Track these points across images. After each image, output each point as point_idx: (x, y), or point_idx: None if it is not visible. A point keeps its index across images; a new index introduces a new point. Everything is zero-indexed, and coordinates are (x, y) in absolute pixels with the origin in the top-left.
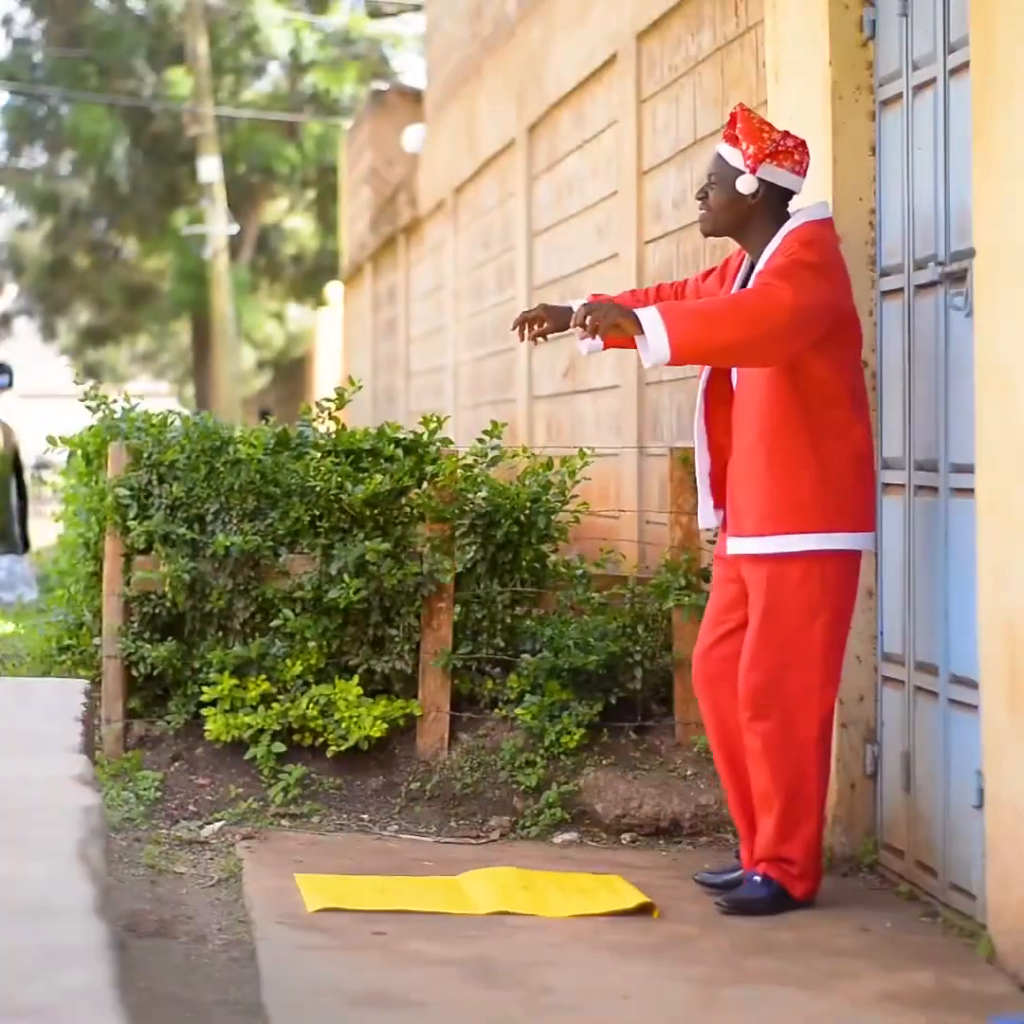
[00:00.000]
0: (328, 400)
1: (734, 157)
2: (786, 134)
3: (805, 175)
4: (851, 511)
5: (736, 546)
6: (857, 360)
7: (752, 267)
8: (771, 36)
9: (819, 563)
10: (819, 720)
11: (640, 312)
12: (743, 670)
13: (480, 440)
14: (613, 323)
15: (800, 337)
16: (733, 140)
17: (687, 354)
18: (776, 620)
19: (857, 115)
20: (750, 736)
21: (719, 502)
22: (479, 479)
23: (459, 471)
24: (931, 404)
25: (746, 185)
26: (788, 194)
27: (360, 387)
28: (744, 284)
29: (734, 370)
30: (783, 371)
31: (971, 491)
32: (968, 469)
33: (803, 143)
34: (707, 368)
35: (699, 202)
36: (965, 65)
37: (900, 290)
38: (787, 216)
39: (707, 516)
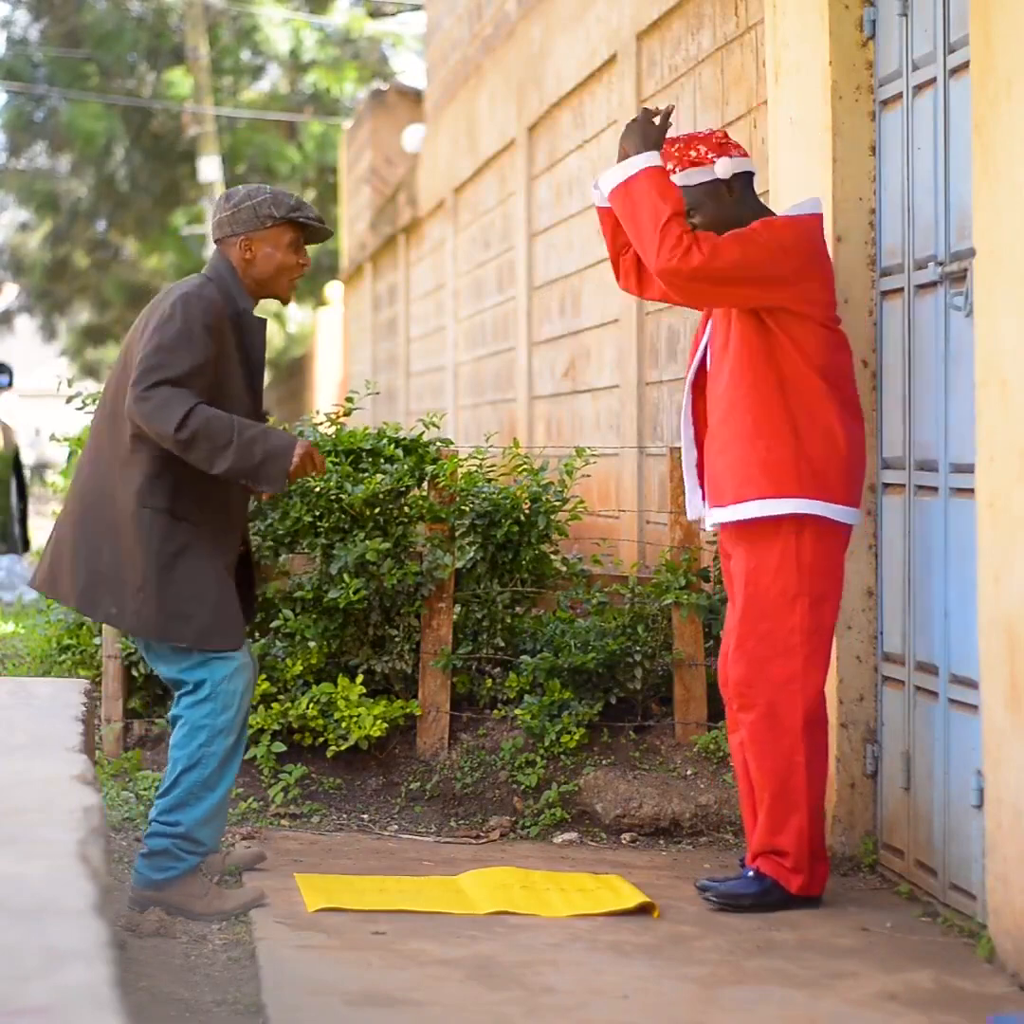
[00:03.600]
0: (338, 407)
1: (693, 175)
2: (711, 131)
3: (748, 155)
4: (824, 482)
5: (718, 516)
6: (832, 341)
7: None
8: (771, 36)
9: (796, 541)
10: (804, 709)
11: (638, 158)
12: (728, 662)
13: (478, 454)
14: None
15: (703, 279)
16: (682, 163)
17: (615, 202)
18: (756, 609)
19: (857, 115)
20: (736, 729)
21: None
22: (479, 481)
23: (460, 473)
24: (931, 404)
25: (723, 169)
26: (751, 178)
27: (376, 391)
28: None
29: (709, 350)
30: (754, 344)
31: (971, 491)
32: (968, 469)
33: (726, 134)
34: (695, 361)
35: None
36: (965, 65)
37: (900, 290)
38: (761, 205)
39: (695, 507)
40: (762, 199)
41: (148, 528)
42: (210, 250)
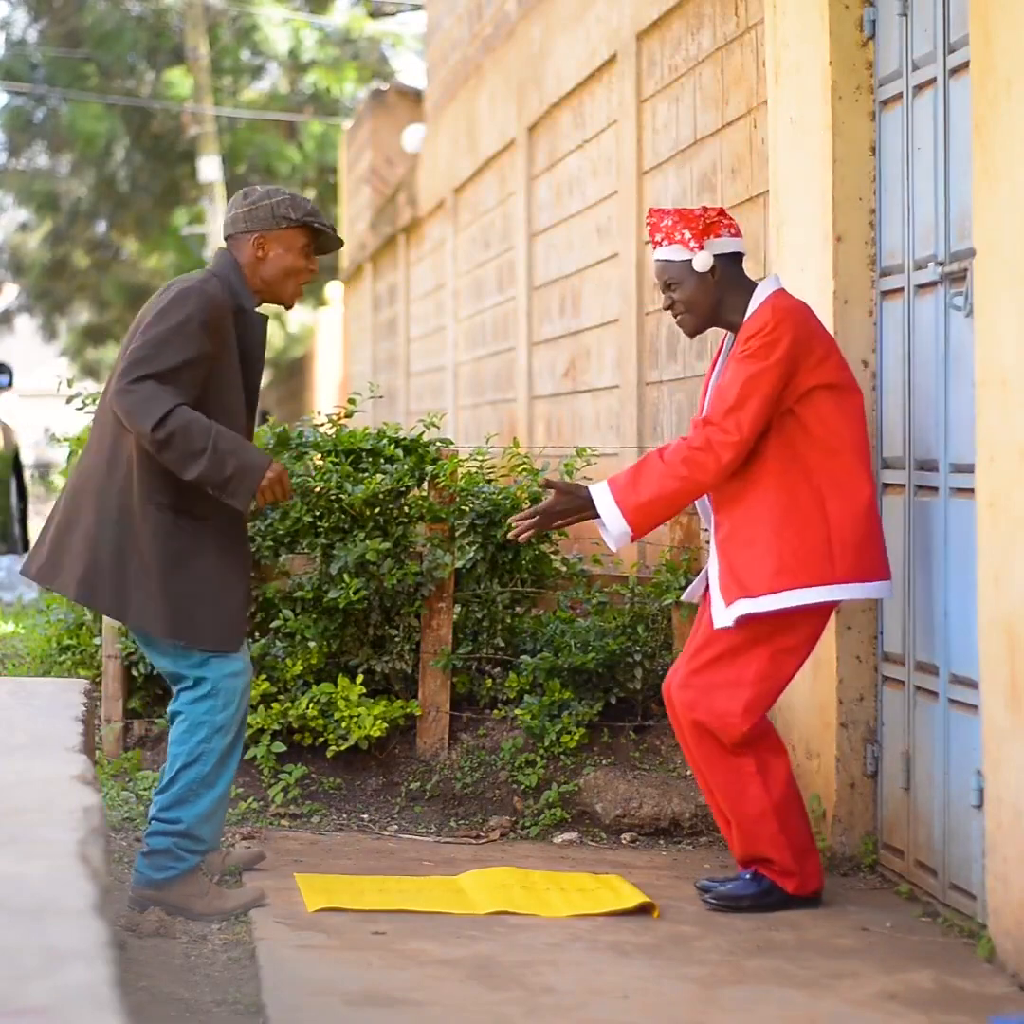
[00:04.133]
0: (339, 408)
1: (676, 252)
2: (705, 208)
3: (740, 235)
4: (859, 560)
5: (746, 607)
6: (851, 406)
7: (732, 342)
8: (771, 36)
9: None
10: (740, 736)
11: (595, 494)
12: (676, 683)
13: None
14: (564, 519)
15: (745, 457)
16: (667, 239)
17: (647, 527)
18: (720, 646)
19: (857, 115)
20: (687, 746)
21: None
22: (479, 480)
23: (460, 473)
24: (931, 404)
25: (702, 263)
26: (739, 258)
27: (380, 394)
28: (725, 363)
29: None
30: (774, 436)
31: (971, 491)
32: (968, 469)
33: (721, 210)
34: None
35: (670, 311)
36: (965, 65)
37: (900, 290)
38: (748, 280)
39: (696, 592)
40: (763, 196)
41: (153, 524)
42: (210, 250)
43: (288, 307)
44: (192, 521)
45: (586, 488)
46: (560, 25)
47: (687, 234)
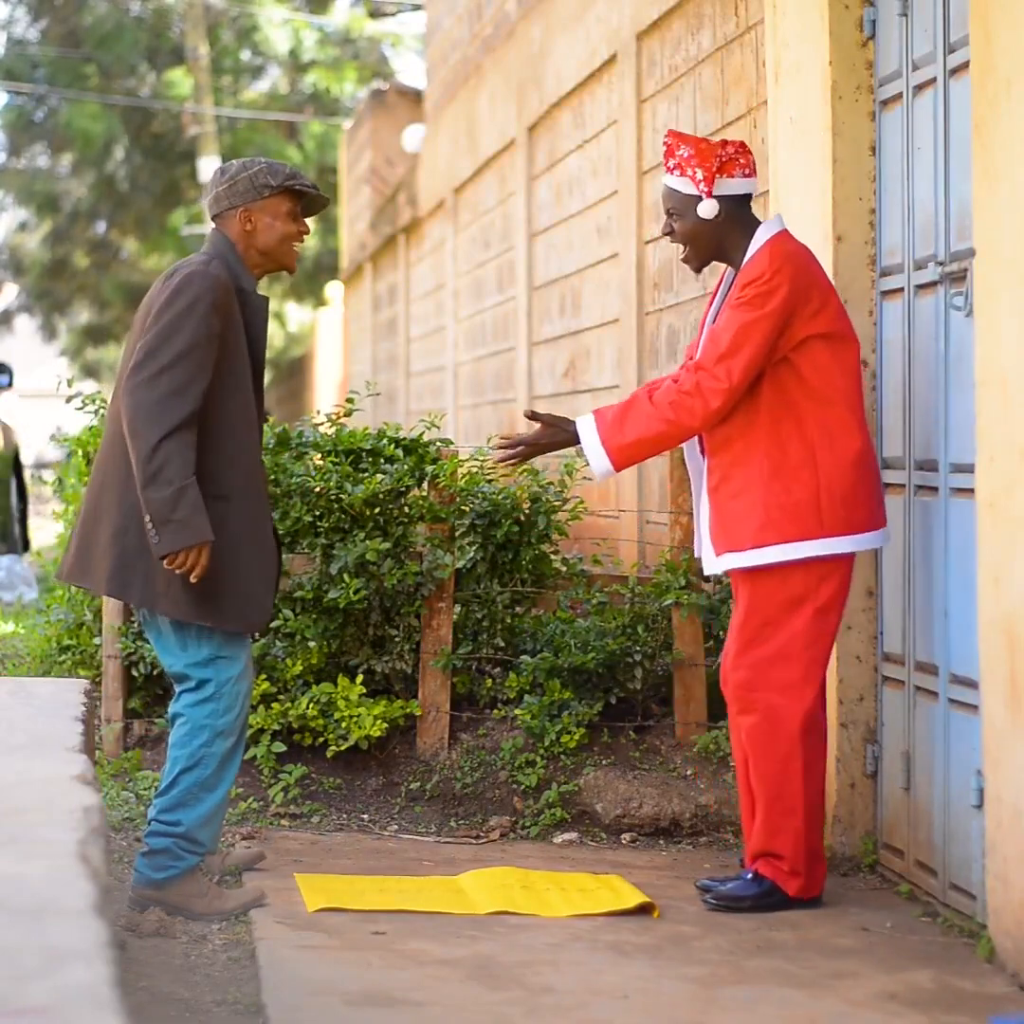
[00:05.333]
0: (338, 407)
1: (685, 186)
2: (724, 142)
3: (755, 174)
4: (851, 514)
5: (733, 561)
6: (846, 355)
7: (733, 279)
8: (771, 36)
9: (804, 562)
10: (802, 716)
11: (581, 426)
12: (729, 666)
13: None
14: (545, 447)
15: (735, 403)
16: (679, 169)
17: (630, 463)
18: (760, 614)
19: (857, 115)
20: (738, 731)
21: None
22: (479, 481)
23: (460, 473)
24: (931, 404)
25: (707, 210)
26: (748, 198)
27: (377, 392)
28: (724, 298)
29: None
30: (765, 385)
31: (971, 491)
32: (968, 469)
33: (742, 144)
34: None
35: (669, 237)
36: (965, 65)
37: (900, 290)
38: (754, 219)
39: (701, 548)
40: (763, 196)
41: None
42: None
43: (291, 272)
44: (212, 503)
45: (572, 422)
46: (560, 25)
47: (699, 174)
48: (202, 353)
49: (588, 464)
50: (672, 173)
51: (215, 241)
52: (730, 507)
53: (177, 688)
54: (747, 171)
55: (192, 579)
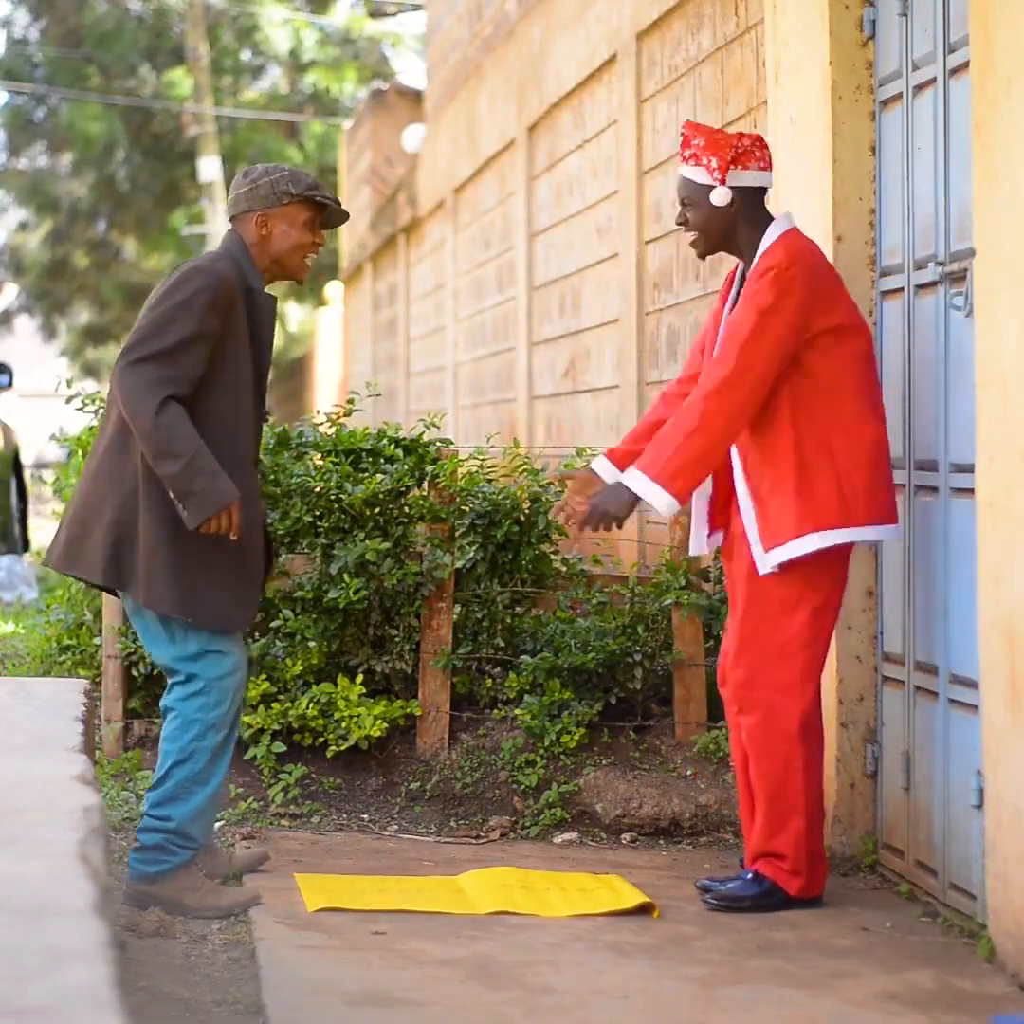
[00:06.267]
0: (338, 407)
1: (699, 175)
2: (741, 135)
3: (771, 168)
4: (869, 503)
5: (779, 555)
6: (858, 347)
7: (744, 275)
8: (771, 36)
9: (802, 562)
10: (800, 714)
11: (629, 482)
12: (727, 666)
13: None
14: (611, 518)
15: (760, 396)
16: (694, 159)
17: (689, 487)
18: (757, 614)
19: (857, 115)
20: (737, 731)
21: (715, 527)
22: (479, 481)
23: (460, 473)
24: (931, 404)
25: (720, 198)
26: (762, 192)
27: (378, 393)
28: (737, 296)
29: None
30: (783, 378)
31: (971, 491)
32: (968, 469)
33: (759, 138)
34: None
35: (682, 227)
36: (965, 65)
37: (900, 290)
38: (767, 214)
39: (700, 544)
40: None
41: (163, 501)
42: (210, 250)
43: (300, 282)
44: None
45: (623, 486)
46: (560, 25)
47: (714, 163)
48: (194, 348)
49: (652, 508)
50: (687, 163)
51: (229, 241)
52: (772, 503)
53: (169, 680)
54: (762, 164)
55: (232, 537)
